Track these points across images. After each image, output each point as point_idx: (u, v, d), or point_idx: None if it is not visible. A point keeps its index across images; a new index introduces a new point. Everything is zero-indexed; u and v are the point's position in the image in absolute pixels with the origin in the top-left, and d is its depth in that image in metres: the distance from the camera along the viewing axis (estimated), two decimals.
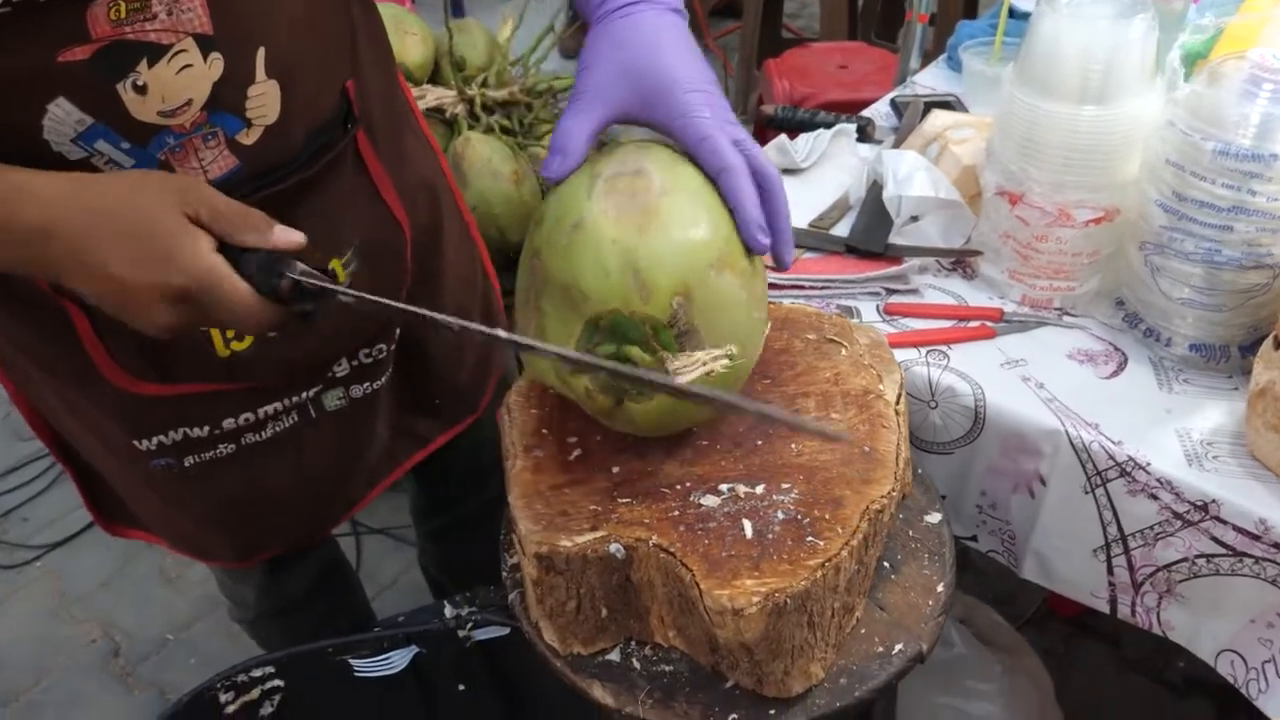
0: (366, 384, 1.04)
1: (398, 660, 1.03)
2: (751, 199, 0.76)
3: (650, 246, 0.72)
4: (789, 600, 0.72)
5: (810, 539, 0.76)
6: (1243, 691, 1.00)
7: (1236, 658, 1.01)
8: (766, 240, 0.77)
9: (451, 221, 1.12)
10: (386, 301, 0.75)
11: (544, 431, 0.87)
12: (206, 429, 0.96)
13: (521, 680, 1.05)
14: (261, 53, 0.79)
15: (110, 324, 0.85)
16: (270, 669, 1.04)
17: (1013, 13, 1.62)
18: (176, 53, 0.74)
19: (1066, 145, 1.09)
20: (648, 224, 0.72)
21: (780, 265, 0.78)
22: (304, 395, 1.00)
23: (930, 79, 1.73)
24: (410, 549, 2.10)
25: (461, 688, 1.06)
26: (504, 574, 0.90)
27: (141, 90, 0.74)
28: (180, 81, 0.75)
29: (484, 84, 1.81)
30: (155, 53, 0.73)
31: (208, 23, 0.74)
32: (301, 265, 0.73)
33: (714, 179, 0.76)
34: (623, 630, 0.83)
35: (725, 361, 0.73)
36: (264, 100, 0.81)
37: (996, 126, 1.16)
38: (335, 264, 0.93)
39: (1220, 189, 0.99)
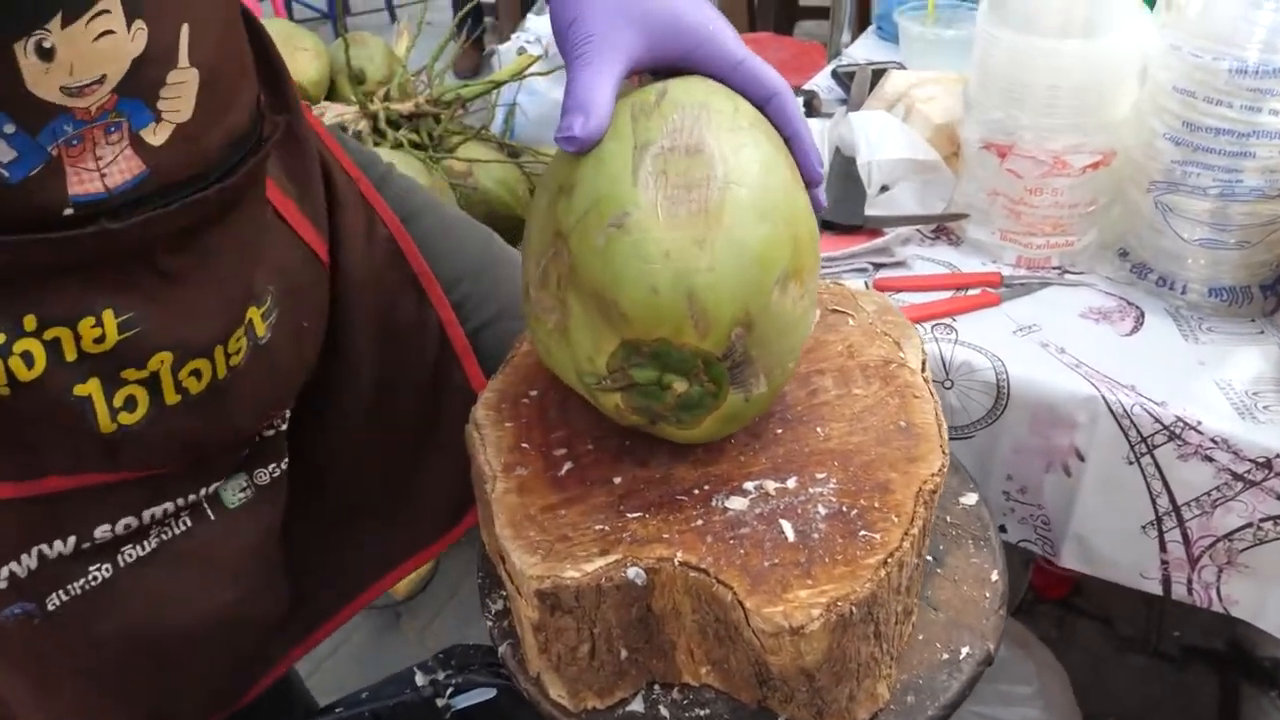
0: (272, 465, 0.82)
1: None
2: (806, 124, 0.64)
3: (712, 266, 0.57)
4: (854, 609, 0.59)
5: (863, 533, 0.63)
6: None
7: None
8: (823, 169, 0.65)
9: (377, 248, 0.92)
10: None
11: (524, 446, 0.72)
12: (71, 541, 0.72)
13: None
14: (186, 30, 0.63)
15: None
16: None
17: None
18: (99, 12, 0.58)
19: (1054, 85, 0.99)
20: (709, 233, 0.57)
21: (819, 205, 0.66)
22: (200, 492, 0.78)
23: (863, 50, 1.65)
24: None
25: None
26: (487, 623, 0.75)
27: (47, 55, 0.57)
28: (96, 51, 0.59)
29: (386, 98, 1.67)
30: (73, 8, 0.57)
31: None
32: None
33: (762, 108, 0.64)
34: (644, 673, 0.68)
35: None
36: (181, 91, 0.65)
37: (973, 75, 1.06)
38: (254, 313, 0.74)
39: (1237, 112, 0.90)
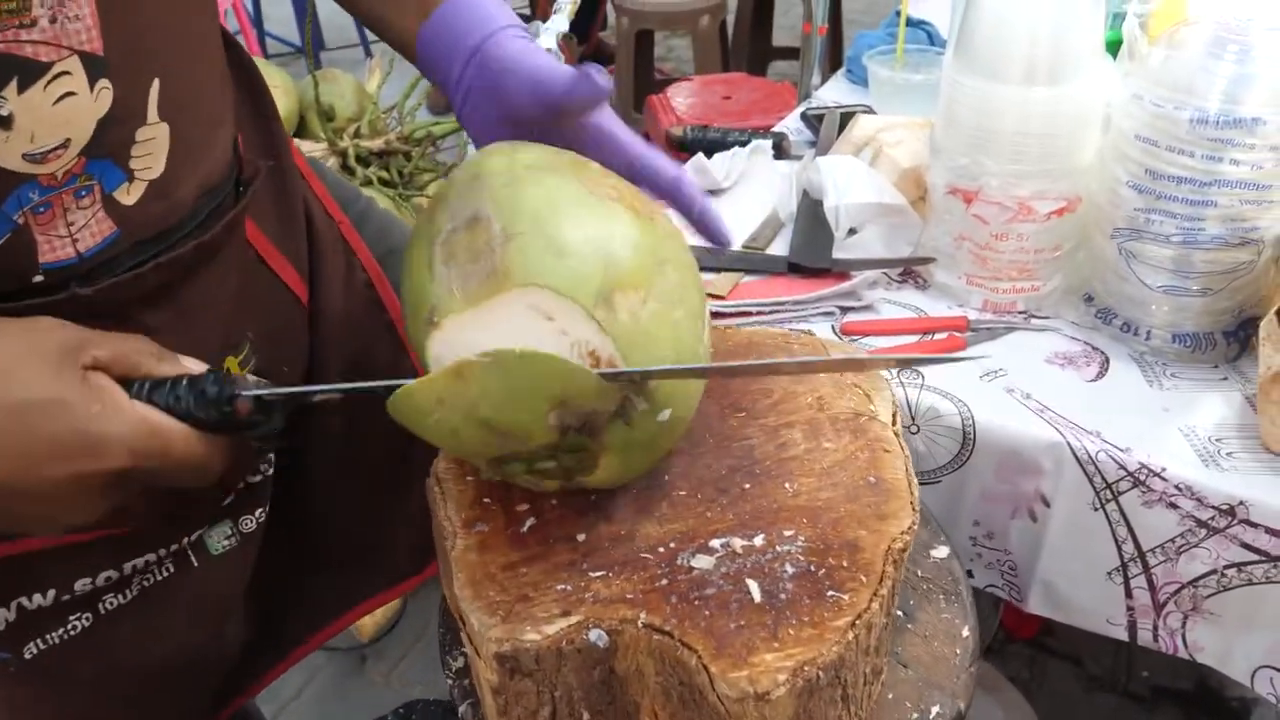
0: (259, 510, 0.81)
1: None
2: (614, 117, 0.69)
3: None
4: (821, 673, 0.58)
5: (831, 593, 0.62)
6: None
7: (1276, 674, 0.91)
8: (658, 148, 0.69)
9: (355, 292, 0.92)
10: (371, 385, 0.59)
11: (485, 501, 0.71)
12: (51, 595, 0.71)
13: None
14: (156, 85, 0.61)
15: None
16: None
17: (909, 21, 1.58)
18: (57, 75, 0.56)
19: (1020, 132, 0.99)
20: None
21: (722, 240, 0.66)
22: (184, 540, 0.77)
23: (832, 93, 1.67)
24: (313, 655, 1.88)
25: None
26: (448, 680, 0.74)
27: (5, 123, 0.55)
28: (58, 115, 0.57)
29: (356, 134, 1.65)
30: (30, 72, 0.55)
31: (98, 40, 0.56)
32: (250, 377, 0.58)
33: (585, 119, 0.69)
34: None
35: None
36: (152, 147, 0.62)
37: (939, 120, 1.07)
38: (231, 362, 0.73)
39: (1199, 161, 0.91)
